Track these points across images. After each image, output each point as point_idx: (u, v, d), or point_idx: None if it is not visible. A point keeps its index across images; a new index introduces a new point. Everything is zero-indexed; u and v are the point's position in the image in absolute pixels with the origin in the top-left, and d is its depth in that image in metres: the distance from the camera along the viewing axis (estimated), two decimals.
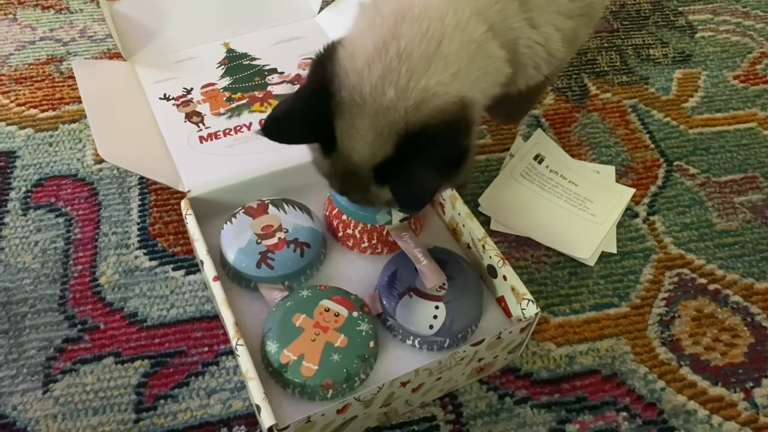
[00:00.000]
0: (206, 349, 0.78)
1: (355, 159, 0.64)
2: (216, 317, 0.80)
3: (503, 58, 0.66)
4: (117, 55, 1.03)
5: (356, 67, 0.62)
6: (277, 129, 0.66)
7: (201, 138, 0.89)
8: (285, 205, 0.82)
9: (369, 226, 0.80)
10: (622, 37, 1.20)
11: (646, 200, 0.95)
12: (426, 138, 0.61)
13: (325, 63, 0.64)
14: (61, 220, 0.89)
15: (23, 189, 0.92)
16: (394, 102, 0.61)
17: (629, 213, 0.94)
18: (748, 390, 0.78)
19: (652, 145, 1.02)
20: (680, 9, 1.26)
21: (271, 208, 0.81)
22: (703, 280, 0.87)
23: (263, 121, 0.66)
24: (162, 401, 0.74)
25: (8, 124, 1.00)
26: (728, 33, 1.22)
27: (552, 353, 0.80)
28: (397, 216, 0.80)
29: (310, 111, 0.65)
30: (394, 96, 0.61)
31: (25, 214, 0.90)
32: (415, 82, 0.61)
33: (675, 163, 1.00)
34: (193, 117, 0.92)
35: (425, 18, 0.62)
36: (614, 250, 0.89)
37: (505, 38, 0.66)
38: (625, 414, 0.75)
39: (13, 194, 0.92)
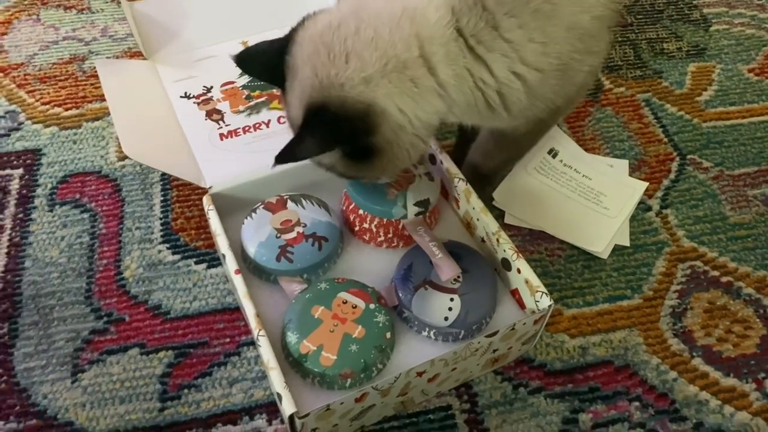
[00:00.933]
0: (228, 340, 0.80)
1: (291, 115, 0.73)
2: (237, 309, 0.82)
3: (431, 88, 0.68)
4: (137, 54, 1.06)
5: (302, 40, 0.70)
6: (246, 61, 0.75)
7: (221, 135, 0.92)
8: (303, 201, 0.84)
9: (385, 220, 0.82)
10: (636, 31, 1.21)
11: (659, 194, 0.96)
12: (322, 114, 0.67)
13: (298, 25, 0.72)
14: (86, 215, 0.92)
15: (49, 186, 0.95)
16: (309, 79, 0.68)
17: (642, 206, 0.95)
18: (760, 381, 0.79)
19: (666, 139, 1.03)
20: (695, 2, 1.26)
21: (290, 204, 0.83)
22: (715, 273, 0.88)
23: (239, 53, 0.75)
24: (186, 390, 0.76)
25: (34, 123, 1.03)
26: (743, 26, 1.22)
27: (565, 344, 0.81)
28: (412, 210, 0.82)
29: (274, 60, 0.72)
30: (309, 74, 0.68)
31: (51, 210, 0.92)
32: (328, 69, 0.66)
33: (688, 156, 1.01)
34: (214, 115, 0.95)
35: (366, 20, 0.67)
36: (627, 243, 0.90)
37: (443, 71, 0.67)
38: (637, 404, 0.76)
39: (39, 191, 0.94)
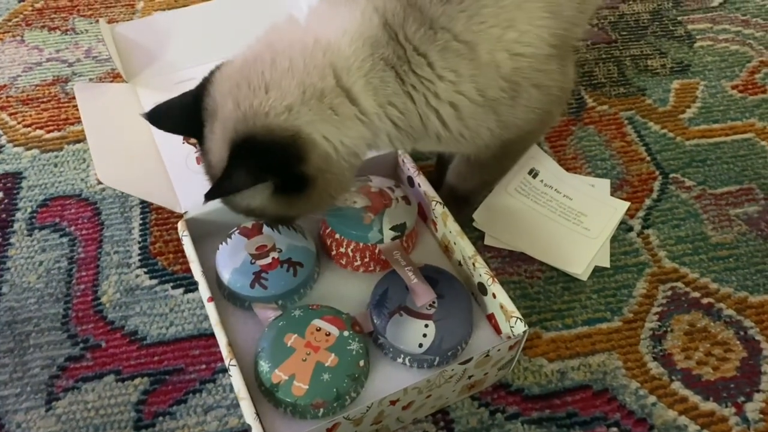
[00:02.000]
0: (204, 366, 0.80)
1: (212, 161, 0.70)
2: (213, 334, 0.81)
3: (353, 115, 0.68)
4: (120, 76, 1.06)
5: (219, 79, 0.69)
6: (159, 117, 0.73)
7: (198, 159, 0.91)
8: (279, 225, 0.83)
9: (361, 244, 0.82)
10: (620, 48, 1.21)
11: (641, 213, 0.96)
12: (250, 146, 0.66)
13: (211, 73, 0.72)
14: (65, 239, 0.92)
15: (29, 209, 0.95)
16: (232, 113, 0.67)
17: (623, 227, 0.94)
18: (740, 405, 0.78)
19: (648, 158, 1.03)
20: (679, 18, 1.26)
21: (266, 228, 0.83)
22: (696, 294, 0.87)
23: (150, 109, 0.73)
24: (161, 418, 0.76)
25: (15, 146, 1.03)
26: (727, 42, 1.22)
27: (544, 368, 0.81)
28: (388, 235, 0.81)
29: (188, 108, 0.71)
30: (232, 108, 0.67)
31: (30, 234, 0.92)
32: (251, 100, 0.66)
33: (671, 175, 1.01)
34: (191, 138, 0.94)
35: (280, 51, 0.67)
36: (608, 265, 0.90)
37: (365, 101, 0.68)
38: (615, 429, 0.76)
39: (19, 215, 0.94)
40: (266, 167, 0.67)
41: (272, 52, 0.68)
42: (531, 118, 0.75)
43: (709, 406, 0.78)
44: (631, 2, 1.29)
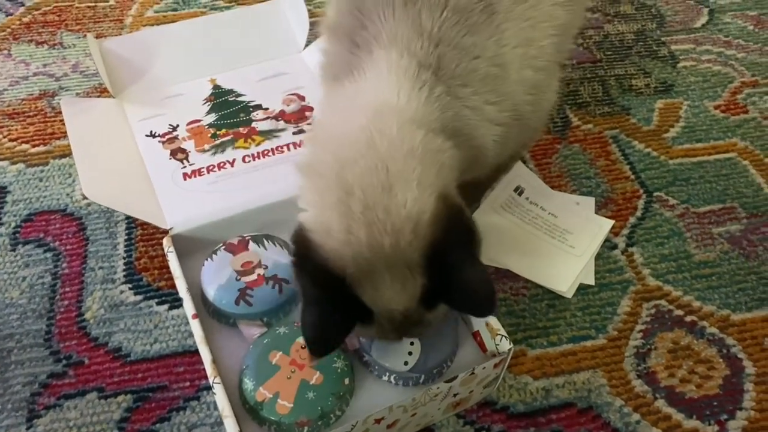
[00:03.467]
0: (188, 383, 0.79)
1: (400, 310, 0.63)
2: (197, 351, 0.81)
3: (451, 146, 0.67)
4: (108, 91, 1.06)
5: (339, 243, 0.61)
6: (324, 346, 0.63)
7: (185, 175, 0.92)
8: (265, 241, 0.83)
9: None
10: (605, 67, 1.22)
11: (626, 231, 0.97)
12: (444, 247, 0.61)
13: (306, 261, 0.63)
14: (49, 255, 0.91)
15: (13, 224, 0.94)
16: (395, 246, 0.60)
17: (608, 244, 0.95)
18: (723, 422, 0.78)
19: (633, 176, 1.04)
20: (663, 39, 1.28)
21: (252, 245, 0.83)
22: (680, 312, 0.88)
23: (309, 345, 0.62)
24: None
25: (0, 160, 1.02)
26: (710, 62, 1.24)
27: (529, 386, 0.81)
28: None
29: (336, 313, 0.63)
30: (392, 241, 0.60)
31: (14, 249, 0.92)
32: (396, 215, 0.60)
33: (655, 194, 1.02)
34: (178, 154, 0.94)
35: (359, 156, 0.62)
36: (592, 282, 0.90)
37: (447, 128, 0.68)
38: None
39: (2, 229, 0.94)
40: (469, 241, 0.65)
41: (350, 169, 0.62)
42: (539, 130, 0.80)
43: (693, 423, 0.78)
44: (615, 22, 1.31)
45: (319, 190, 0.64)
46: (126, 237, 0.93)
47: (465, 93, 0.69)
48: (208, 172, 0.92)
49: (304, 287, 0.63)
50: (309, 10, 1.14)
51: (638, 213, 0.99)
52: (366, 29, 0.70)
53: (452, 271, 0.61)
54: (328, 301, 0.62)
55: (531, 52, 0.72)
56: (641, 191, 1.02)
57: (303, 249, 0.63)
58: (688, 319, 0.87)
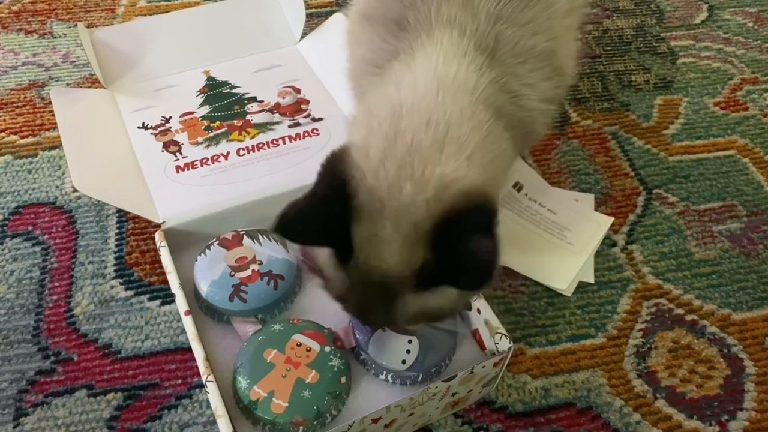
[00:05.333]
0: (180, 381, 0.77)
1: (384, 267, 0.59)
2: (190, 348, 0.79)
3: (505, 150, 0.65)
4: (99, 82, 1.03)
5: (372, 167, 0.58)
6: (290, 228, 0.59)
7: (178, 168, 0.90)
8: (260, 236, 0.82)
9: None
10: (605, 63, 1.21)
11: (625, 229, 0.95)
12: (458, 221, 0.56)
13: (337, 165, 0.60)
14: (37, 248, 0.89)
15: (0, 217, 0.92)
16: (413, 197, 0.57)
17: (607, 242, 0.94)
18: (724, 423, 0.77)
19: (632, 173, 1.03)
20: (662, 35, 1.27)
21: (246, 240, 0.81)
22: (680, 311, 0.87)
23: (277, 220, 0.58)
24: None
25: None
26: (709, 59, 1.22)
27: (528, 385, 0.79)
28: None
29: (325, 212, 0.59)
30: (412, 190, 0.57)
31: (1, 243, 0.89)
32: (430, 171, 0.57)
33: (654, 191, 1.00)
34: (171, 146, 0.92)
35: (423, 110, 0.60)
36: (592, 280, 0.89)
37: (505, 111, 0.66)
38: None
39: None
40: (486, 230, 0.57)
41: (408, 117, 0.60)
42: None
43: (693, 424, 0.77)
44: (614, 18, 1.30)
45: (370, 128, 0.61)
46: (117, 231, 0.91)
47: (524, 71, 0.67)
48: (202, 165, 0.90)
49: (316, 181, 0.60)
50: (305, 2, 1.12)
51: (638, 210, 0.98)
52: (416, 9, 0.66)
53: (457, 242, 0.56)
54: (326, 202, 0.59)
55: (574, 23, 0.73)
56: (641, 188, 1.01)
57: (338, 156, 0.61)
58: (689, 318, 0.86)
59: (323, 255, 0.64)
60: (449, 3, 0.66)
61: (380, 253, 0.58)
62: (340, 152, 0.61)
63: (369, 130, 0.61)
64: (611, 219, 0.95)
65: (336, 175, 0.60)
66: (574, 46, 0.75)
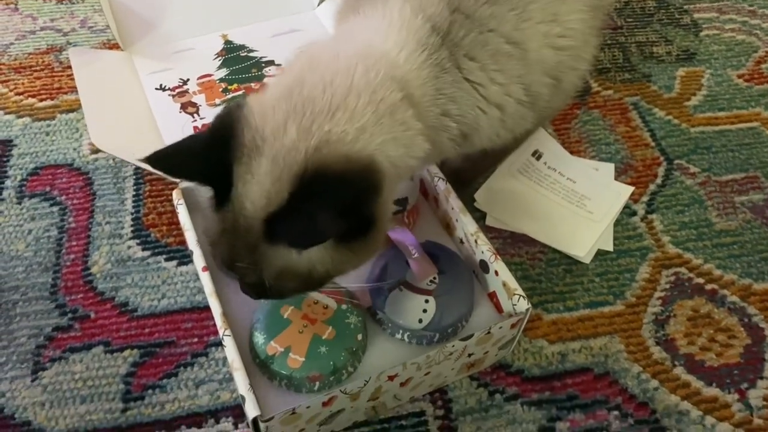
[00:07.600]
0: (196, 339, 0.78)
1: (248, 208, 0.57)
2: (206, 308, 0.79)
3: (419, 130, 0.62)
4: (116, 46, 1.03)
5: (261, 109, 0.59)
6: (162, 160, 0.59)
7: (195, 128, 0.90)
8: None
9: None
10: (626, 34, 1.19)
11: (645, 198, 0.94)
12: (326, 180, 0.56)
13: (231, 109, 0.60)
14: (55, 209, 0.89)
15: (19, 177, 0.92)
16: (296, 143, 0.56)
17: (627, 211, 0.93)
18: (743, 391, 0.76)
19: (653, 144, 1.01)
20: (685, 7, 1.25)
21: None
22: (700, 280, 0.86)
23: (155, 151, 0.59)
24: (150, 391, 0.74)
25: (6, 113, 1.00)
26: (734, 32, 1.20)
27: (544, 350, 0.79)
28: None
29: (204, 148, 0.59)
30: (296, 136, 0.57)
31: (19, 203, 0.90)
32: (318, 125, 0.57)
33: (675, 161, 0.99)
34: (189, 107, 0.92)
35: (331, 70, 0.60)
36: (611, 248, 0.88)
37: (429, 113, 0.64)
38: (616, 413, 0.74)
39: (8, 182, 0.92)
40: (344, 207, 0.56)
41: (323, 72, 0.60)
42: (563, 104, 0.74)
43: (712, 392, 0.76)
44: None
45: (282, 72, 0.63)
46: (134, 193, 0.91)
47: (470, 66, 0.64)
48: None
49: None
50: None
51: (658, 180, 0.97)
52: None
53: (310, 200, 0.55)
54: (207, 139, 0.60)
55: (555, 30, 0.67)
56: (662, 158, 0.99)
57: (237, 103, 0.61)
58: (709, 287, 0.85)
59: (205, 198, 0.64)
60: None
61: (250, 192, 0.57)
62: (243, 98, 0.62)
63: (281, 73, 0.62)
64: (631, 188, 0.94)
65: (225, 116, 0.60)
66: (558, 56, 0.68)
